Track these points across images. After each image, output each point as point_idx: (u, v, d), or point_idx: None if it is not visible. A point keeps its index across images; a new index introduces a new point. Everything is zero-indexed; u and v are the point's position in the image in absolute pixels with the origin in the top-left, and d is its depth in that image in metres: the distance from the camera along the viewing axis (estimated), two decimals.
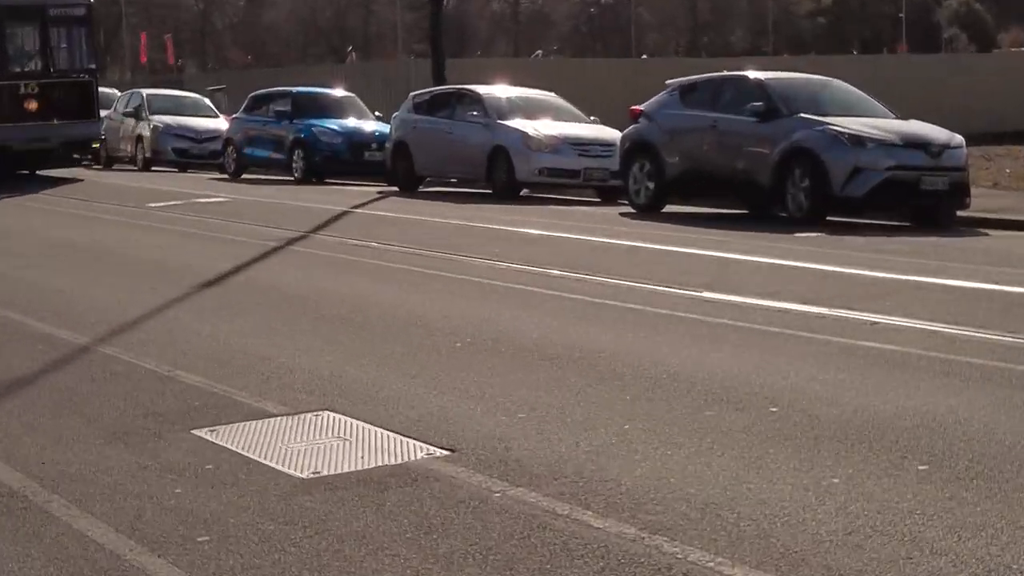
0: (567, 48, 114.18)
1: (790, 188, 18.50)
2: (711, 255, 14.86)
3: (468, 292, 12.52)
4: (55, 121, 28.17)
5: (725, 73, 21.88)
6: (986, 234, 18.00)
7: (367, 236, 17.14)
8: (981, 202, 19.66)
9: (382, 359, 9.46)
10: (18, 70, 28.48)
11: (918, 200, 18.50)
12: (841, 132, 18.30)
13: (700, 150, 20.01)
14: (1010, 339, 9.80)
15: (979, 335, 9.96)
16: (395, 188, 26.44)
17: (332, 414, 7.90)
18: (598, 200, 23.78)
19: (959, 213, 18.95)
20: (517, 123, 24.28)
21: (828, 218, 18.41)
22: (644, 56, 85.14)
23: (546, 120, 24.80)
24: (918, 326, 10.35)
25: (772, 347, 9.63)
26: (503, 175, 23.89)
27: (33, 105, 27.84)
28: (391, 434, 7.44)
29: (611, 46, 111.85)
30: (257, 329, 10.74)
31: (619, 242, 16.24)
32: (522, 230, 17.57)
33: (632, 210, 20.62)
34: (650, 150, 20.69)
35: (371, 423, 7.67)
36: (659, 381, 8.58)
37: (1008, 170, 27.42)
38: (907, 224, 19.01)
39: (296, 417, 7.86)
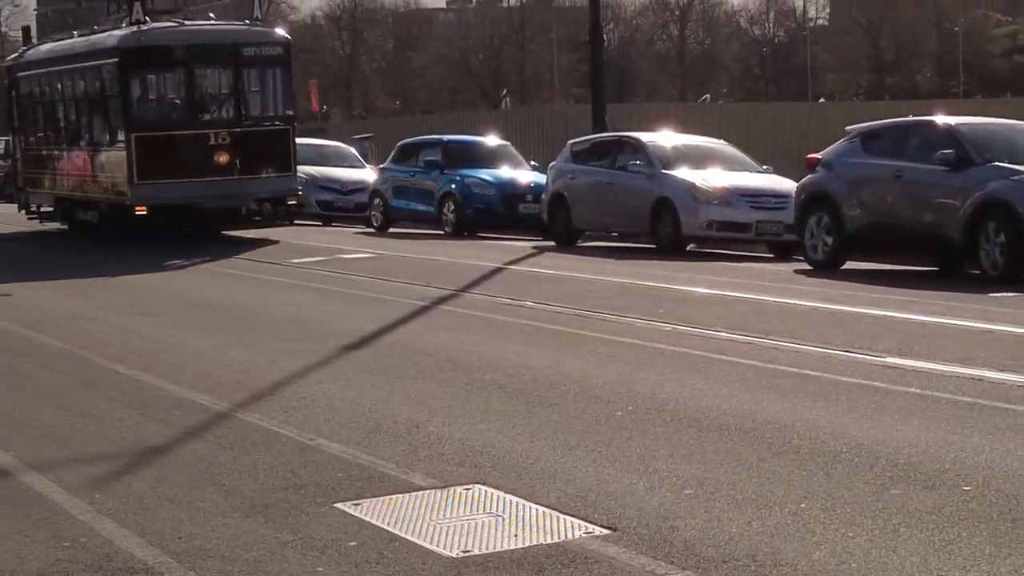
0: (737, 91, 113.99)
1: (984, 243, 18.16)
2: (896, 317, 14.64)
3: (630, 356, 12.49)
4: (248, 176, 26.67)
5: (911, 118, 21.62)
6: None
7: (522, 295, 17.21)
8: None
9: (538, 429, 9.47)
10: (208, 118, 27.16)
11: None
12: None
13: (884, 202, 19.77)
14: None
15: None
16: (552, 243, 26.54)
17: (484, 488, 7.92)
18: (771, 256, 23.61)
19: None
20: (683, 173, 24.24)
21: None
22: (821, 99, 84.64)
23: (715, 170, 24.73)
24: None
25: (964, 419, 9.45)
26: (668, 229, 23.85)
27: (224, 158, 26.32)
28: (547, 510, 7.43)
29: (785, 89, 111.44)
30: (405, 395, 10.82)
31: (794, 302, 16.09)
32: (688, 288, 17.51)
33: (808, 267, 20.43)
34: (829, 202, 20.51)
35: (525, 498, 7.67)
36: (839, 455, 8.47)
37: None
38: None
39: (445, 491, 7.89)
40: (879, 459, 8.35)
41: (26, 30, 36.86)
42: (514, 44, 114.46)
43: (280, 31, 28.68)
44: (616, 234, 26.77)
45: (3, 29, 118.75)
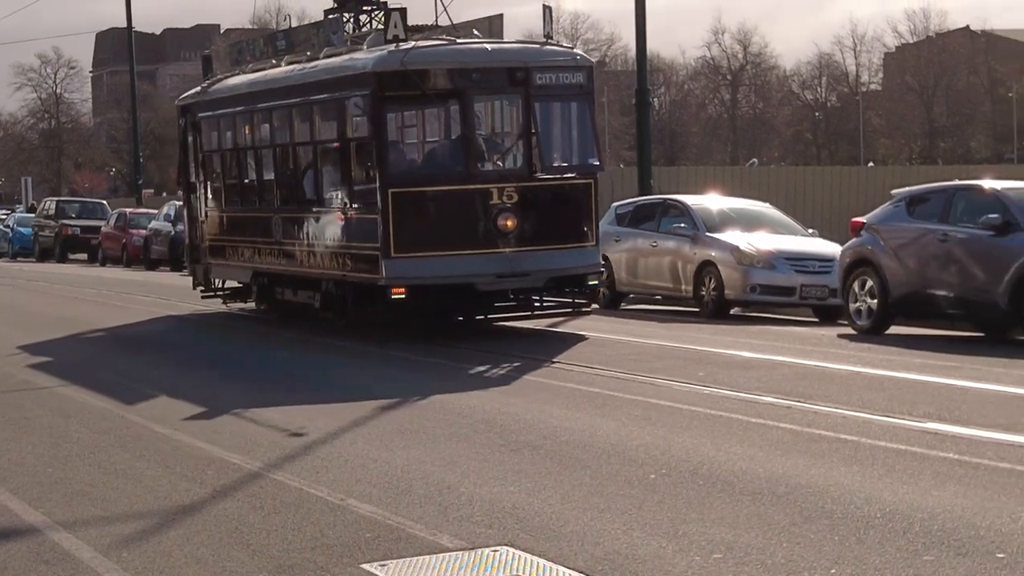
0: (789, 156, 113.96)
1: None
2: (938, 382, 14.54)
3: (667, 419, 12.46)
4: (541, 247, 19.53)
5: (956, 183, 21.52)
6: None
7: (562, 357, 17.19)
8: None
9: (569, 490, 9.45)
10: (489, 168, 19.82)
11: None
12: None
13: (929, 266, 19.67)
14: None
15: None
16: (594, 305, 26.50)
17: (511, 550, 7.91)
18: (815, 320, 23.50)
19: None
20: (727, 236, 24.21)
21: None
22: (870, 164, 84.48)
23: (760, 233, 24.67)
24: None
25: (1002, 485, 9.36)
26: (711, 292, 23.81)
27: (511, 222, 19.09)
28: (574, 573, 7.41)
29: (838, 154, 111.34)
30: (436, 456, 10.82)
31: (836, 366, 16.01)
32: (730, 352, 17.45)
33: (852, 331, 20.32)
34: (873, 265, 20.42)
35: (553, 560, 7.66)
36: (872, 521, 8.40)
37: None
38: None
39: (472, 552, 7.88)
40: (913, 525, 8.28)
41: (207, 59, 28.01)
42: None
43: (582, 53, 21.25)
44: (660, 297, 26.74)
45: (58, 91, 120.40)
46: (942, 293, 19.43)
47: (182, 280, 30.39)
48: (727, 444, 11.09)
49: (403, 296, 18.94)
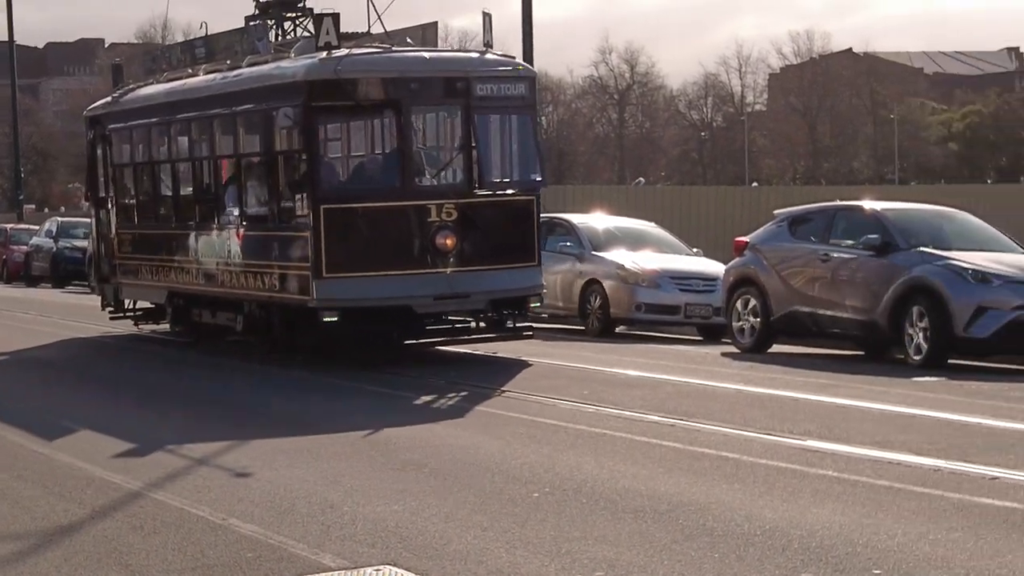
0: (675, 175, 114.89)
1: (908, 328, 18.32)
2: (818, 400, 14.74)
3: (551, 437, 12.51)
4: (481, 267, 18.56)
5: (838, 203, 21.86)
6: None
7: (446, 376, 17.19)
8: None
9: (452, 509, 9.46)
10: (427, 184, 18.82)
11: None
12: (964, 268, 18.15)
13: (810, 286, 19.94)
14: None
15: None
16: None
17: (394, 569, 7.91)
18: (700, 339, 23.72)
19: None
20: (613, 255, 24.38)
21: (950, 361, 18.19)
22: (755, 183, 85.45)
23: (645, 252, 24.87)
24: None
25: (879, 503, 9.51)
26: (597, 311, 23.95)
27: (450, 240, 18.04)
28: None
29: (723, 173, 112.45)
30: (320, 475, 10.78)
31: (719, 385, 16.17)
32: (614, 370, 17.55)
33: (736, 350, 20.54)
34: (756, 285, 20.65)
35: None
36: (752, 538, 8.50)
37: None
38: None
39: (355, 572, 7.87)
40: (792, 542, 8.39)
41: (118, 68, 26.35)
42: None
43: (524, 63, 20.26)
44: (546, 315, 26.82)
45: None
46: (823, 312, 19.70)
47: (64, 297, 29.75)
48: (611, 462, 11.16)
49: (335, 319, 17.89)
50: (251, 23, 22.53)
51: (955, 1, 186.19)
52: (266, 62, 20.14)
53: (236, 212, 20.12)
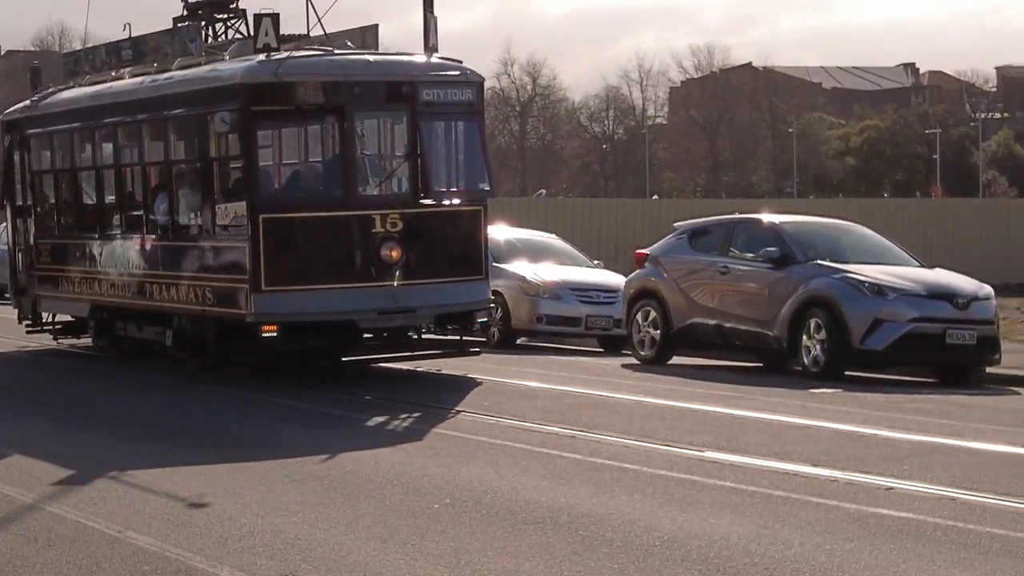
0: (576, 187, 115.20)
1: (805, 340, 18.53)
2: (717, 412, 14.86)
3: (452, 449, 12.51)
4: (427, 280, 17.70)
5: (737, 216, 22.06)
6: (1017, 393, 18.00)
7: (350, 387, 17.13)
8: (1013, 358, 19.65)
9: (352, 521, 9.43)
10: (370, 193, 17.89)
11: (943, 355, 18.52)
12: (861, 281, 18.40)
13: (710, 298, 20.09)
14: None
15: (1002, 503, 9.92)
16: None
17: None
18: (601, 350, 23.82)
19: (988, 370, 18.95)
20: (514, 267, 24.41)
21: (846, 373, 18.41)
22: (655, 196, 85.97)
23: (546, 264, 24.94)
24: (936, 492, 10.31)
25: (777, 513, 9.60)
26: (498, 322, 23.95)
27: (395, 252, 17.19)
28: None
29: (624, 186, 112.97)
30: (219, 487, 10.70)
31: (619, 396, 16.24)
32: (515, 382, 17.57)
33: (636, 361, 20.64)
34: (656, 297, 20.77)
35: None
36: (651, 549, 8.55)
37: None
38: (931, 380, 19.02)
39: None
40: (691, 552, 8.45)
41: (36, 71, 24.99)
42: None
43: (471, 68, 18.85)
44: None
45: None
46: (723, 324, 19.86)
47: None
48: (511, 474, 11.18)
49: (274, 334, 16.94)
50: (180, 24, 21.56)
51: (853, 17, 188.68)
52: (198, 64, 19.20)
53: (167, 221, 19.19)
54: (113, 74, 21.42)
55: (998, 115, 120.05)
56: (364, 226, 17.24)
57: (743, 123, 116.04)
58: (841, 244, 20.00)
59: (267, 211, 17.22)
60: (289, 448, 12.51)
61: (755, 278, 19.55)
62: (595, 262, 26.03)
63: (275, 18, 17.37)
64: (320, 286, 17.20)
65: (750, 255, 19.85)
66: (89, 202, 21.60)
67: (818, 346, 18.40)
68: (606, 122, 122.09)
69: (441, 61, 18.47)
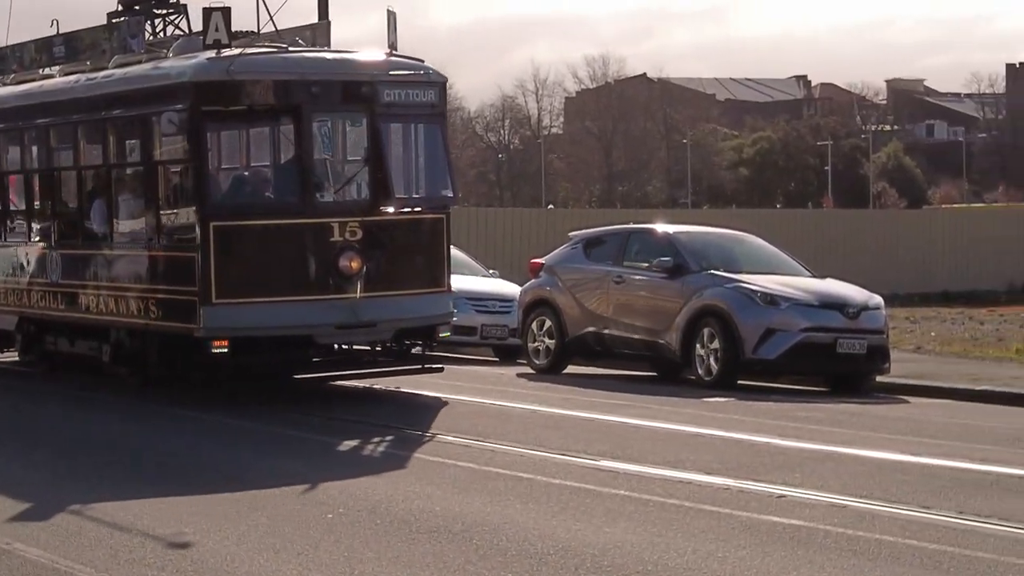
0: (472, 196, 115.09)
1: (699, 349, 18.66)
2: (611, 421, 14.92)
3: (344, 459, 12.48)
4: (388, 292, 16.60)
5: (631, 226, 22.18)
6: (906, 401, 18.24)
7: (243, 399, 17.01)
8: (902, 367, 19.95)
9: (245, 531, 9.37)
10: (328, 199, 16.71)
11: (834, 364, 18.74)
12: (754, 291, 18.57)
13: (604, 307, 20.18)
14: (923, 515, 9.91)
15: (891, 510, 10.05)
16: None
17: None
18: (496, 359, 23.85)
19: (878, 378, 19.19)
20: None
21: (739, 382, 18.58)
22: (550, 206, 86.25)
23: None
24: (827, 500, 10.43)
25: (670, 521, 9.66)
26: None
27: (355, 263, 16.07)
28: None
29: (520, 195, 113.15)
30: (113, 497, 10.59)
31: (514, 405, 16.26)
32: (408, 391, 17.52)
33: (531, 371, 20.69)
34: (551, 306, 20.83)
35: None
36: (545, 558, 8.57)
37: (933, 333, 27.90)
38: (823, 389, 19.22)
39: None
40: (584, 561, 8.48)
41: None
42: None
43: (433, 67, 17.79)
44: None
45: None
46: (618, 334, 19.95)
47: None
48: (405, 483, 11.17)
49: (225, 350, 15.76)
50: (116, 19, 20.37)
51: (746, 30, 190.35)
52: (139, 62, 18.01)
53: (105, 229, 18.01)
54: (43, 72, 20.44)
55: (888, 127, 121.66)
56: (322, 235, 16.17)
57: (638, 134, 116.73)
58: (734, 254, 20.16)
59: (218, 218, 16.11)
60: (183, 459, 12.41)
61: (649, 287, 19.66)
62: (490, 271, 26.04)
63: (226, 12, 16.25)
64: (275, 299, 16.14)
65: (644, 264, 19.95)
66: (16, 208, 20.46)
67: (711, 355, 18.54)
68: (502, 132, 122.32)
69: (402, 59, 17.36)
